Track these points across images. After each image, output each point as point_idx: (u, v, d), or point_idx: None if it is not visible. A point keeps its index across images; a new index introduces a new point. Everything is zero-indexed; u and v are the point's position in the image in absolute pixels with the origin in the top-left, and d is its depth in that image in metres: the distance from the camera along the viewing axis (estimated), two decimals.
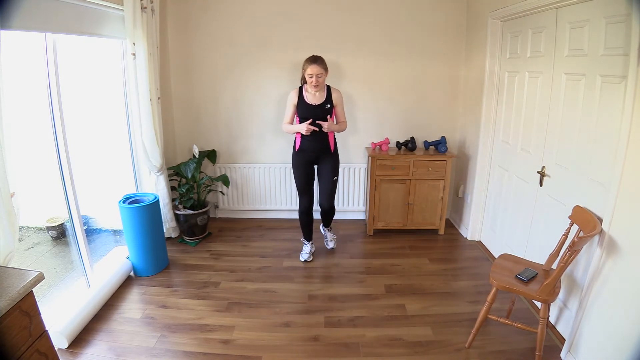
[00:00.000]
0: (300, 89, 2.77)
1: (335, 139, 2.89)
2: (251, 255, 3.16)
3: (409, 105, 3.60)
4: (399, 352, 2.09)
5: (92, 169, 3.05)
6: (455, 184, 3.76)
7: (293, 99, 2.77)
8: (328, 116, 2.76)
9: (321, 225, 3.31)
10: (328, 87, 2.77)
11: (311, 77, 2.60)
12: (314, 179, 2.95)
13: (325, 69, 2.67)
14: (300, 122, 2.76)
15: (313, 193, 2.96)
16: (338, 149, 2.96)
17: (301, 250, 3.14)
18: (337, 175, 2.94)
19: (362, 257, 3.17)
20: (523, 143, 2.65)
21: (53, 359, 1.52)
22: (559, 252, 2.06)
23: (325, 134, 2.77)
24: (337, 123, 2.88)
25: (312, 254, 3.11)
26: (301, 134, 2.77)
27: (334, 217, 3.26)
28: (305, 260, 3.04)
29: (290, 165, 3.00)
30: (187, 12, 3.39)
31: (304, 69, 2.66)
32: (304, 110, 2.74)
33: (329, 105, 2.74)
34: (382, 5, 3.35)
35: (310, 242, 3.12)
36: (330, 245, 3.24)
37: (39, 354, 1.44)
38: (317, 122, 2.68)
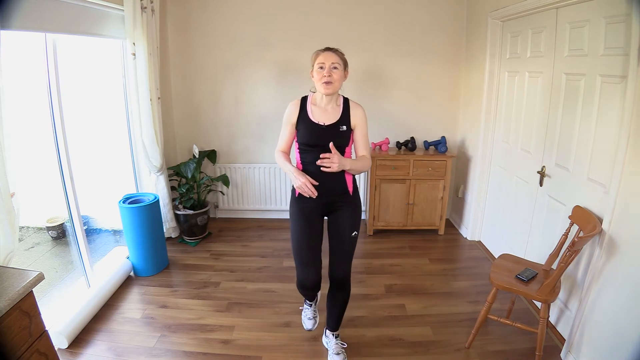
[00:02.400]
0: (304, 101, 1.84)
1: (354, 176, 1.90)
2: (251, 255, 3.16)
3: (409, 105, 3.60)
4: (399, 352, 2.09)
5: (92, 169, 3.05)
6: (455, 184, 3.76)
7: (292, 114, 1.82)
8: (338, 143, 1.77)
9: (324, 335, 2.14)
10: (346, 101, 1.85)
11: (322, 68, 1.72)
12: (322, 239, 1.91)
13: (345, 63, 1.79)
14: (302, 150, 1.81)
15: (321, 262, 1.93)
16: (358, 187, 1.96)
17: (302, 314, 2.28)
18: (358, 230, 1.89)
19: (362, 257, 3.16)
20: (523, 143, 2.65)
21: (53, 359, 1.52)
22: (559, 252, 2.06)
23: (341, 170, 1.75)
24: (356, 156, 1.86)
25: (317, 318, 2.23)
26: (305, 169, 1.80)
27: (348, 302, 2.04)
28: (310, 329, 2.20)
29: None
30: (187, 12, 3.39)
31: (313, 63, 1.78)
32: (308, 133, 1.78)
33: (345, 127, 1.79)
34: (382, 5, 3.35)
35: (314, 302, 2.24)
36: None
37: (39, 354, 1.44)
38: (320, 155, 1.69)
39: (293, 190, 1.90)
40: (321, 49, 1.79)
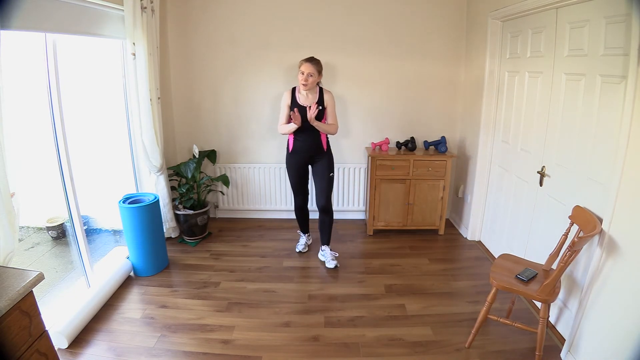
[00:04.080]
0: (294, 90, 2.80)
1: (327, 138, 2.90)
2: (251, 255, 3.16)
3: (409, 105, 3.60)
4: (399, 352, 2.09)
5: (92, 169, 3.05)
6: (455, 184, 3.76)
7: (286, 99, 2.79)
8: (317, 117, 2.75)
9: (320, 250, 3.10)
10: (320, 90, 2.79)
11: (302, 74, 2.65)
12: (308, 179, 3.01)
13: (319, 71, 2.69)
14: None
15: (308, 191, 3.08)
16: (332, 148, 2.97)
17: (298, 241, 3.30)
18: (333, 172, 2.94)
19: (362, 257, 3.17)
20: (523, 143, 2.65)
21: (53, 359, 1.52)
22: (559, 252, 2.06)
23: (318, 135, 2.80)
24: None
25: (308, 245, 3.28)
26: (294, 136, 2.82)
27: (332, 223, 3.05)
28: (300, 252, 3.18)
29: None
30: (187, 13, 3.39)
31: (299, 67, 2.69)
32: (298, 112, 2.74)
33: (320, 107, 2.72)
34: (382, 6, 3.34)
35: (307, 235, 3.27)
36: (332, 264, 2.96)
37: (39, 354, 1.44)
38: (305, 107, 2.69)
39: (287, 148, 2.90)
40: (304, 58, 2.68)
